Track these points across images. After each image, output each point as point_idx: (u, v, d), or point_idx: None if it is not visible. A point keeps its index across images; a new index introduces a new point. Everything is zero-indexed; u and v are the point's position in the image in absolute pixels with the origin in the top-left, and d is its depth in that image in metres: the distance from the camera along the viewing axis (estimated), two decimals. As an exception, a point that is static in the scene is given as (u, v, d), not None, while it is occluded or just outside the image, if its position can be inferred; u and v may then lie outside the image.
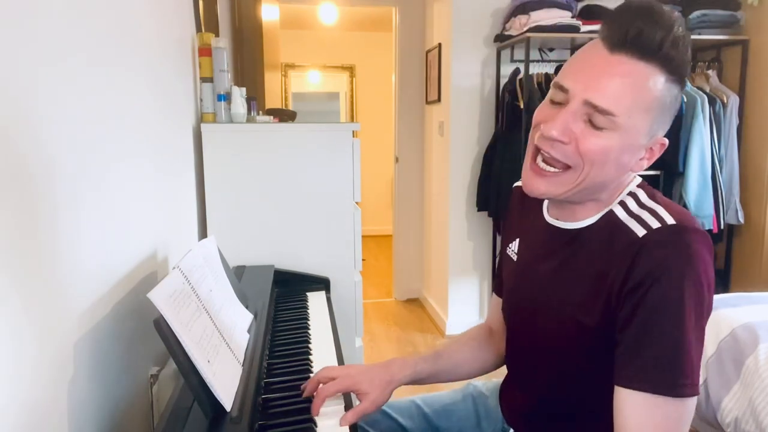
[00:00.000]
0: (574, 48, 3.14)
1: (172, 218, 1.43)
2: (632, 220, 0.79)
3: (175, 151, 1.49)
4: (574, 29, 2.80)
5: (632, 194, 0.83)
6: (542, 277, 0.89)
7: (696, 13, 2.94)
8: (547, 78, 2.91)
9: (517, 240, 0.99)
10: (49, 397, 0.73)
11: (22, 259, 0.67)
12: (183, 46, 1.63)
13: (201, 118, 1.78)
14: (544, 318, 0.88)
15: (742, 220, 3.00)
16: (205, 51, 1.73)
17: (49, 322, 0.74)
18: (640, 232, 0.76)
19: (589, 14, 2.90)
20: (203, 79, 1.75)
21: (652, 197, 0.82)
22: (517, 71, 2.96)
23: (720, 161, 2.97)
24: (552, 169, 0.80)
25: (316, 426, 0.88)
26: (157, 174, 1.29)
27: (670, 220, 0.75)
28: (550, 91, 0.81)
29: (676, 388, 0.72)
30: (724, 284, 3.14)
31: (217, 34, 2.09)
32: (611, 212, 0.82)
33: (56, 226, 0.77)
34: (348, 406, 0.93)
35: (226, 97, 1.77)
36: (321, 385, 0.93)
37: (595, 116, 0.75)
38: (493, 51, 3.13)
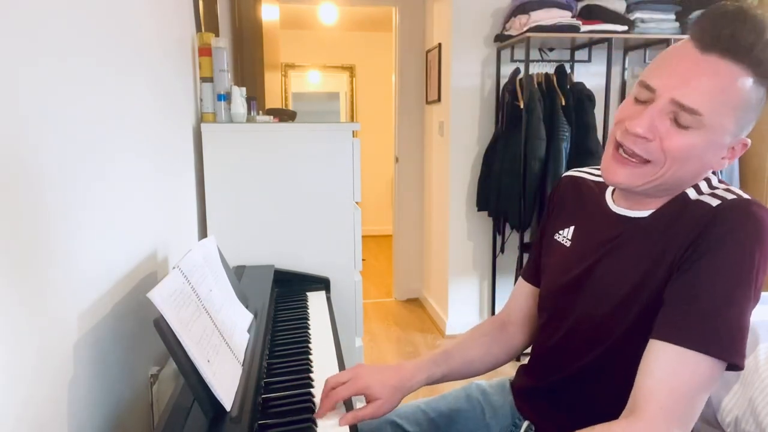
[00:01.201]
0: (574, 48, 3.14)
1: (172, 218, 1.43)
2: (705, 195, 0.81)
3: (175, 150, 1.49)
4: (574, 29, 2.80)
5: (705, 179, 0.85)
6: (601, 262, 0.89)
7: (696, 13, 2.94)
8: (547, 78, 2.91)
9: (572, 227, 1.00)
10: (49, 397, 0.73)
11: (22, 259, 0.67)
12: (183, 46, 1.63)
13: (201, 118, 1.78)
14: (594, 302, 0.89)
15: (742, 220, 3.00)
16: (205, 51, 1.73)
17: (49, 322, 0.74)
18: (714, 202, 0.78)
19: (589, 14, 2.90)
20: (203, 79, 1.75)
21: (722, 182, 0.85)
22: (517, 71, 2.96)
23: (720, 161, 2.96)
24: (634, 160, 0.82)
25: (316, 426, 0.88)
26: (157, 174, 1.29)
27: (744, 195, 0.79)
28: (635, 89, 0.83)
29: (710, 345, 0.73)
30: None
31: (217, 34, 2.09)
32: (683, 194, 0.84)
33: (56, 226, 0.77)
34: (348, 406, 0.92)
35: (226, 97, 1.77)
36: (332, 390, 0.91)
37: (681, 115, 0.77)
38: (493, 51, 3.13)
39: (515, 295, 1.12)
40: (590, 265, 0.91)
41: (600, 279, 0.89)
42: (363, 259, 1.89)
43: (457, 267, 3.31)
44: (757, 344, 1.64)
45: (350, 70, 6.04)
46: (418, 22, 3.75)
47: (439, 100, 3.40)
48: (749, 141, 0.83)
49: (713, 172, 0.87)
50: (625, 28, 2.89)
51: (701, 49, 0.76)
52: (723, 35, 0.74)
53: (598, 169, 1.02)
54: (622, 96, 3.28)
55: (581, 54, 3.16)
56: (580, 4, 2.93)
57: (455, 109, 3.16)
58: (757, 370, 1.60)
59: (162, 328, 0.77)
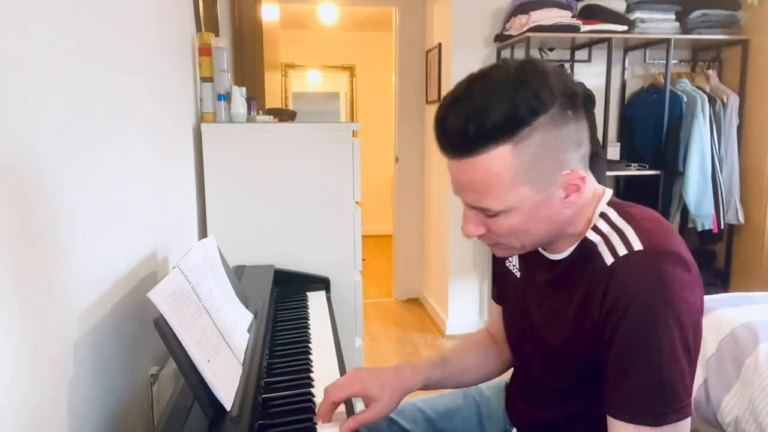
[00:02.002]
0: (574, 48, 3.14)
1: (172, 218, 1.43)
2: (603, 244, 0.77)
3: (175, 150, 1.49)
4: (574, 29, 2.80)
5: (603, 215, 0.81)
6: (538, 302, 0.89)
7: (696, 13, 2.94)
8: (547, 78, 2.91)
9: (516, 257, 0.98)
10: (49, 396, 0.73)
11: (21, 259, 0.67)
12: (183, 46, 1.63)
13: (201, 118, 1.78)
14: (539, 341, 0.89)
15: (742, 220, 3.00)
16: (205, 51, 1.73)
17: (49, 322, 0.74)
18: (609, 259, 0.75)
19: (589, 14, 2.91)
20: (203, 79, 1.75)
21: (623, 214, 0.80)
22: (517, 71, 2.96)
23: (720, 161, 2.97)
24: (492, 243, 0.84)
25: (316, 425, 0.88)
26: (157, 173, 1.29)
27: (637, 245, 0.73)
28: None
29: (660, 416, 0.71)
30: (724, 284, 3.14)
31: (217, 34, 2.09)
32: (586, 239, 0.81)
33: (56, 225, 0.77)
34: (349, 409, 0.91)
35: (226, 97, 1.77)
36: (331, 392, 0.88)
37: (484, 212, 0.78)
38: (493, 51, 3.13)
39: (492, 315, 1.11)
40: (532, 304, 0.91)
41: (541, 319, 0.89)
42: (363, 259, 1.89)
43: (457, 267, 3.31)
44: (757, 344, 1.64)
45: (350, 70, 6.04)
46: (418, 22, 3.75)
47: (439, 100, 3.39)
48: (581, 172, 0.76)
49: (611, 203, 0.82)
50: (625, 28, 2.89)
51: (450, 158, 0.77)
52: (445, 142, 0.75)
53: None
54: (622, 96, 3.28)
55: (581, 54, 3.16)
56: (580, 4, 2.93)
57: (455, 109, 3.15)
58: (757, 370, 1.60)
59: (162, 327, 0.77)
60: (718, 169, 2.95)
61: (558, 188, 0.76)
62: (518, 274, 0.97)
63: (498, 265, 1.05)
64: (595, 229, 0.80)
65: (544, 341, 0.88)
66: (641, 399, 0.72)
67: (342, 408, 0.90)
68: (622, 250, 0.74)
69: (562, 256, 0.84)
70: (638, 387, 0.72)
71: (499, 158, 0.72)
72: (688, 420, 0.73)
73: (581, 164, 0.77)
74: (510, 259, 1.00)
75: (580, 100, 0.75)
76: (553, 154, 0.73)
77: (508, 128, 0.71)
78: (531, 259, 0.91)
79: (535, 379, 0.93)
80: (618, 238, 0.76)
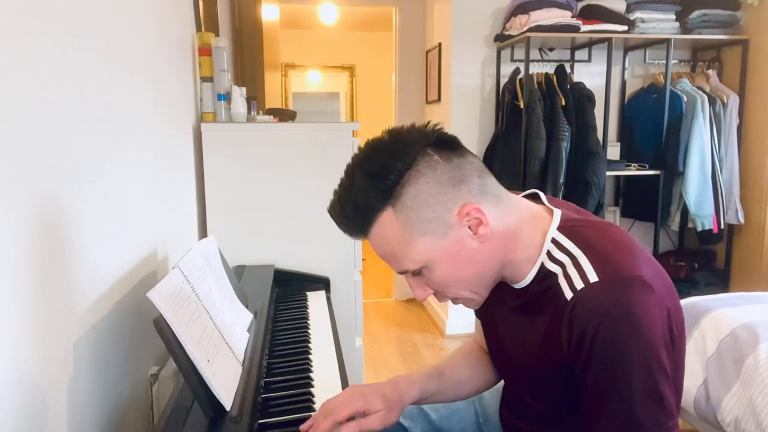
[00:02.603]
0: (574, 48, 3.14)
1: (172, 217, 1.43)
2: (561, 275, 0.76)
3: (175, 150, 1.49)
4: (574, 29, 2.80)
5: (554, 241, 0.80)
6: (507, 326, 0.89)
7: (696, 13, 2.94)
8: (547, 78, 2.91)
9: None
10: (49, 396, 0.73)
11: (21, 258, 0.67)
12: (183, 46, 1.63)
13: (201, 118, 1.78)
14: (516, 362, 0.89)
15: (742, 220, 3.00)
16: (205, 50, 1.73)
17: (49, 321, 0.74)
18: (568, 293, 0.74)
19: (589, 14, 2.91)
20: (203, 79, 1.75)
21: (574, 238, 0.78)
22: (517, 71, 2.97)
23: (720, 161, 2.97)
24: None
25: None
26: (157, 173, 1.29)
27: (592, 277, 0.72)
28: None
29: None
30: (724, 284, 3.14)
31: (217, 34, 2.09)
32: (543, 267, 0.80)
33: (56, 225, 0.77)
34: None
35: (226, 97, 1.77)
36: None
37: (409, 273, 0.80)
38: (493, 51, 3.13)
39: (476, 328, 1.10)
40: (501, 331, 0.91)
41: (510, 346, 0.89)
42: (363, 259, 1.89)
43: (457, 267, 3.30)
44: (757, 344, 1.64)
45: (350, 70, 6.04)
46: (418, 22, 3.75)
47: (439, 100, 3.40)
48: (474, 204, 0.76)
49: (560, 227, 0.81)
50: (625, 28, 2.89)
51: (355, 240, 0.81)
52: (344, 231, 0.81)
53: None
54: (622, 96, 3.28)
55: (581, 54, 3.16)
56: (580, 4, 2.93)
57: (455, 109, 3.16)
58: (757, 370, 1.60)
59: (162, 327, 0.77)
60: (718, 169, 2.95)
61: (460, 228, 0.77)
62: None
63: None
64: (551, 257, 0.79)
65: (518, 364, 0.88)
66: (620, 427, 0.72)
67: None
68: (579, 284, 0.73)
69: (521, 285, 0.83)
70: (615, 421, 0.72)
71: (386, 224, 0.76)
72: None
73: (476, 197, 0.77)
74: None
75: (452, 140, 0.79)
76: (430, 200, 0.75)
77: (379, 198, 0.75)
78: (497, 288, 0.89)
79: (517, 395, 0.94)
80: (574, 269, 0.74)
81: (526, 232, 0.81)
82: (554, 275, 0.77)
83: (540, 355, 0.81)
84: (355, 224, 0.79)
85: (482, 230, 0.77)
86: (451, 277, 0.79)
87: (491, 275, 0.82)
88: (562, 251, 0.78)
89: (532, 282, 0.82)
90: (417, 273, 0.80)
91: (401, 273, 0.81)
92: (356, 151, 0.82)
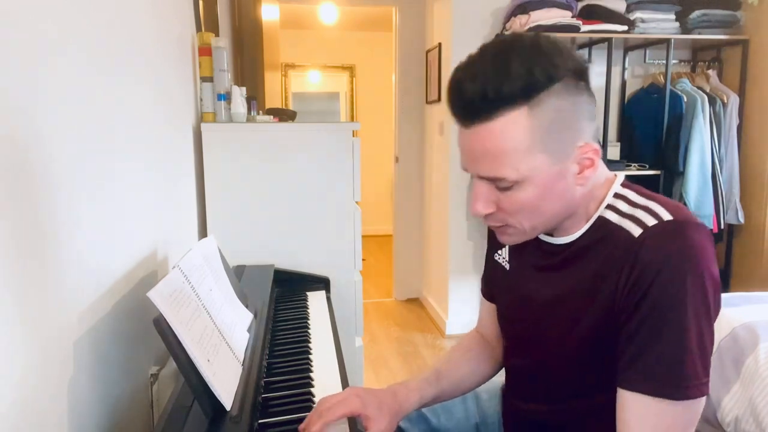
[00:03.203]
0: (574, 48, 3.14)
1: (172, 217, 1.43)
2: (626, 220, 0.76)
3: (175, 150, 1.49)
4: (575, 29, 2.80)
5: (619, 196, 0.81)
6: (539, 290, 0.87)
7: (696, 13, 2.94)
8: (547, 78, 2.91)
9: (507, 248, 0.97)
10: (49, 395, 0.73)
11: (21, 258, 0.67)
12: (183, 46, 1.63)
13: (201, 118, 1.78)
14: (544, 331, 0.86)
15: (742, 220, 3.00)
16: (205, 50, 1.73)
17: (49, 321, 0.74)
18: (636, 231, 0.74)
19: (589, 14, 2.91)
20: (203, 79, 1.75)
21: (642, 194, 0.80)
22: (517, 71, 2.96)
23: (720, 161, 2.97)
24: (501, 228, 0.82)
25: None
26: (157, 173, 1.29)
27: (666, 216, 0.73)
28: None
29: (680, 390, 0.70)
30: (724, 284, 3.14)
31: (217, 34, 2.09)
32: (602, 218, 0.80)
33: (56, 225, 0.77)
34: (352, 427, 0.87)
35: (226, 97, 1.77)
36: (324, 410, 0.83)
37: (495, 183, 0.76)
38: (493, 51, 3.13)
39: (482, 312, 1.10)
40: (532, 296, 0.88)
41: (543, 311, 0.86)
42: (363, 259, 1.89)
43: (457, 267, 3.31)
44: (757, 344, 1.64)
45: (350, 70, 6.04)
46: (418, 22, 3.75)
47: (439, 100, 3.40)
48: (596, 146, 0.77)
49: (627, 185, 0.82)
50: (625, 28, 2.89)
51: (462, 126, 0.76)
52: (459, 110, 0.75)
53: None
54: (623, 96, 3.28)
55: (581, 54, 3.16)
56: (580, 4, 2.93)
57: (455, 109, 3.15)
58: (757, 370, 1.60)
59: (162, 327, 0.77)
60: (718, 169, 2.95)
61: (572, 162, 0.76)
62: (507, 266, 0.96)
63: (488, 260, 1.04)
64: (613, 209, 0.79)
65: (548, 328, 0.86)
66: (664, 370, 0.70)
67: (344, 422, 0.86)
68: (650, 221, 0.73)
69: (570, 238, 0.83)
70: (662, 358, 0.70)
71: (515, 123, 0.72)
72: (703, 400, 0.72)
73: (594, 139, 0.77)
74: (500, 251, 0.98)
75: (587, 77, 0.77)
76: (569, 122, 0.74)
77: (525, 92, 0.71)
78: (525, 247, 0.89)
79: (538, 372, 0.91)
80: (644, 212, 0.75)
81: (599, 188, 0.82)
82: (613, 224, 0.78)
83: (578, 310, 0.79)
84: (481, 108, 0.72)
85: (588, 173, 0.77)
86: (533, 204, 0.76)
87: (560, 218, 0.80)
88: (628, 204, 0.79)
89: (583, 235, 0.81)
90: (503, 186, 0.75)
91: (484, 178, 0.76)
92: (508, 37, 0.74)
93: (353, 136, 1.79)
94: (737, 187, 3.00)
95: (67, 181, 0.81)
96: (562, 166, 0.75)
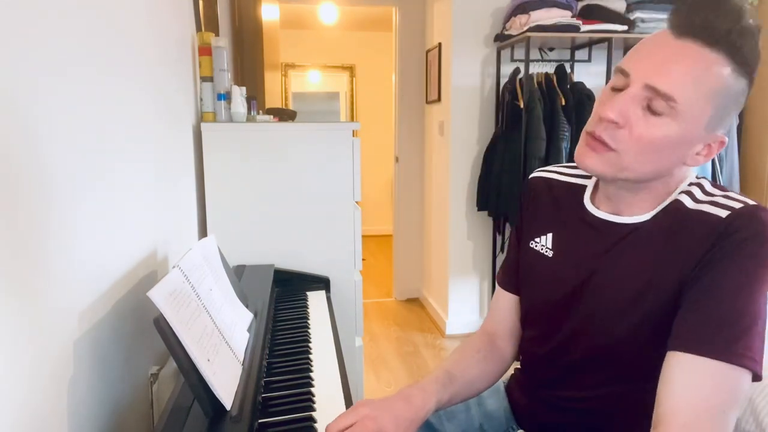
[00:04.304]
0: (574, 48, 3.14)
1: (172, 217, 1.43)
2: (706, 204, 0.78)
3: (175, 150, 1.49)
4: (575, 29, 2.80)
5: (695, 184, 0.82)
6: (594, 272, 0.85)
7: (696, 13, 2.94)
8: (547, 78, 2.91)
9: (550, 235, 0.94)
10: (48, 395, 0.73)
11: (21, 258, 0.67)
12: (183, 46, 1.63)
13: (201, 117, 1.78)
14: (593, 314, 0.85)
15: (742, 220, 3.00)
16: (205, 50, 1.73)
17: (49, 321, 0.74)
18: (723, 213, 0.75)
19: (589, 14, 2.90)
20: (203, 78, 1.75)
21: (716, 186, 0.82)
22: (517, 71, 2.97)
23: (720, 161, 2.97)
24: (601, 146, 0.78)
25: (316, 423, 0.88)
26: (157, 173, 1.29)
27: (751, 202, 0.76)
28: (613, 78, 0.80)
29: (735, 354, 0.69)
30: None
31: (217, 34, 2.09)
32: (677, 201, 0.81)
33: (56, 224, 0.77)
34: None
35: (226, 97, 1.77)
36: None
37: (654, 101, 0.74)
38: (493, 51, 3.13)
39: (498, 306, 1.06)
40: (585, 279, 0.86)
41: (598, 293, 0.84)
42: (363, 259, 1.89)
43: (457, 267, 3.31)
44: (757, 344, 1.64)
45: (350, 70, 6.04)
46: (418, 22, 3.75)
47: (439, 99, 3.40)
48: (727, 139, 0.79)
49: (702, 177, 0.84)
50: (625, 27, 2.89)
51: (676, 35, 0.74)
52: (697, 21, 0.73)
53: (568, 167, 0.99)
54: (622, 96, 3.28)
55: (581, 54, 3.16)
56: (580, 4, 2.93)
57: (455, 109, 3.16)
58: (757, 369, 1.60)
59: (162, 327, 0.77)
60: (718, 169, 2.95)
61: (704, 140, 0.77)
62: (550, 254, 0.93)
63: (519, 249, 1.00)
64: (689, 194, 0.81)
65: (600, 315, 0.84)
66: (724, 334, 0.70)
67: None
68: (737, 205, 0.75)
69: (638, 219, 0.83)
70: (723, 322, 0.70)
71: (718, 66, 0.73)
72: (749, 380, 0.70)
73: (727, 134, 0.80)
74: (538, 239, 0.96)
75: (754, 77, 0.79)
76: (735, 108, 0.77)
77: (741, 57, 0.73)
78: (576, 230, 0.90)
79: (574, 361, 0.89)
80: (724, 198, 0.77)
81: (679, 176, 0.83)
82: (690, 209, 0.78)
83: (639, 292, 0.79)
84: (719, 36, 0.72)
85: (701, 159, 0.79)
86: (659, 143, 0.75)
87: (647, 178, 0.80)
88: (704, 192, 0.80)
89: (654, 216, 0.82)
90: (656, 110, 0.74)
91: (653, 90, 0.74)
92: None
93: (353, 136, 1.79)
94: (737, 187, 3.00)
95: (67, 180, 0.81)
96: (701, 135, 0.76)
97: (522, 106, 2.84)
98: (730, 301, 0.71)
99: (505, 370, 1.05)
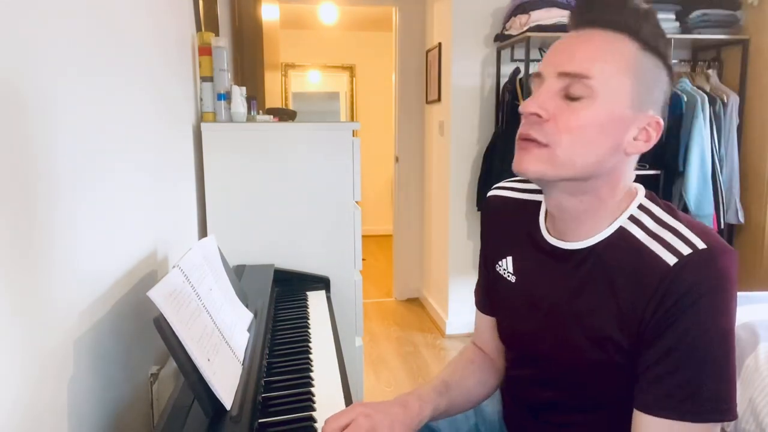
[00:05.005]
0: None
1: (172, 217, 1.43)
2: (655, 242, 0.74)
3: (175, 149, 1.49)
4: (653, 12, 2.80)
5: (643, 208, 0.79)
6: (553, 302, 0.83)
7: (696, 13, 2.94)
8: (547, 78, 2.91)
9: (510, 258, 0.92)
10: (49, 395, 0.73)
11: (21, 258, 0.67)
12: (183, 45, 1.63)
13: (201, 117, 1.78)
14: (558, 344, 0.83)
15: (742, 220, 3.00)
16: (205, 50, 1.73)
17: (49, 321, 0.74)
18: (671, 259, 0.72)
19: (589, 14, 2.90)
20: (203, 78, 1.75)
21: (666, 209, 0.79)
22: (517, 71, 2.97)
23: (720, 161, 2.97)
24: (532, 144, 0.76)
25: (316, 423, 0.88)
26: (157, 173, 1.29)
27: (700, 244, 0.71)
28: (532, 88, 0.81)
29: (707, 413, 0.70)
30: (724, 284, 3.14)
31: (217, 34, 2.09)
32: (624, 230, 0.78)
33: (56, 224, 0.77)
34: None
35: (226, 97, 1.77)
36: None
37: (571, 87, 0.73)
38: (493, 50, 3.13)
39: (480, 327, 1.04)
40: (548, 311, 0.84)
41: (562, 327, 0.82)
42: (363, 259, 1.89)
43: (457, 267, 3.31)
44: (757, 344, 1.64)
45: (350, 70, 6.04)
46: (418, 22, 3.75)
47: (439, 99, 3.40)
48: (661, 120, 0.77)
49: (649, 193, 0.81)
50: (625, 27, 2.88)
51: (576, 27, 0.78)
52: (590, 15, 0.76)
53: (523, 181, 0.96)
54: (622, 96, 3.27)
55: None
56: (580, 4, 2.93)
57: (455, 109, 3.16)
58: (758, 369, 1.60)
59: (162, 326, 0.77)
60: (718, 169, 2.95)
61: (637, 123, 0.75)
62: (513, 279, 0.91)
63: (488, 271, 0.98)
64: (636, 222, 0.78)
65: (564, 341, 0.82)
66: (688, 395, 0.70)
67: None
68: (685, 250, 0.71)
69: (587, 243, 0.80)
70: (691, 383, 0.70)
71: (623, 42, 0.74)
72: (719, 425, 0.72)
73: (661, 116, 0.78)
74: (500, 263, 0.94)
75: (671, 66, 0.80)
76: (657, 87, 0.76)
77: (644, 35, 0.74)
78: (533, 255, 0.87)
79: (547, 384, 0.88)
80: (674, 236, 0.74)
81: (623, 196, 0.80)
82: (639, 242, 0.76)
83: (609, 326, 0.77)
84: (617, 13, 0.75)
85: (641, 146, 0.77)
86: (588, 127, 0.73)
87: (587, 174, 0.76)
88: (652, 219, 0.78)
89: (601, 241, 0.79)
90: (575, 94, 0.73)
91: (566, 74, 0.73)
92: None
93: (353, 135, 1.79)
94: (737, 186, 3.00)
95: (67, 180, 0.81)
96: (628, 114, 0.74)
97: (522, 106, 2.84)
98: (696, 364, 0.70)
99: (501, 379, 1.03)
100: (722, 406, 0.71)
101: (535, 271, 0.88)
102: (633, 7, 0.74)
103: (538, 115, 0.74)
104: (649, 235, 0.76)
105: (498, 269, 0.95)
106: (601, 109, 0.73)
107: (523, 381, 0.95)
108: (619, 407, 0.79)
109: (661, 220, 0.77)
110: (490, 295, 0.99)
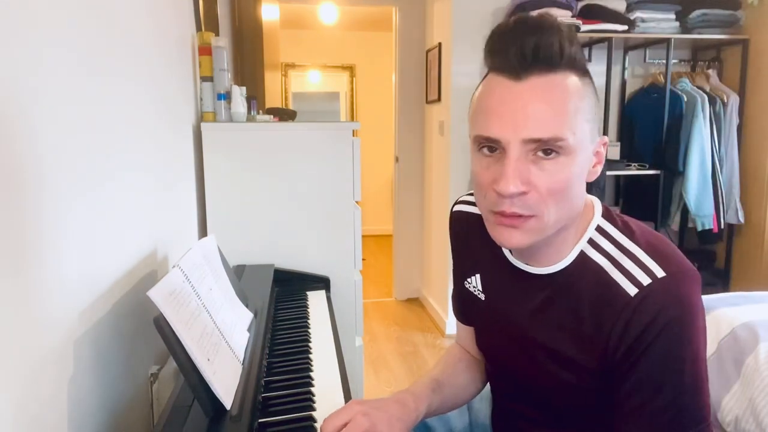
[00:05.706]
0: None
1: (172, 217, 1.43)
2: (616, 270, 0.74)
3: (175, 149, 1.49)
4: (574, 28, 2.80)
5: (601, 230, 0.78)
6: (521, 324, 0.83)
7: (696, 13, 2.94)
8: (547, 77, 2.91)
9: (478, 275, 0.92)
10: (48, 395, 0.73)
11: (21, 257, 0.67)
12: (183, 45, 1.63)
13: (201, 117, 1.78)
14: (532, 367, 0.83)
15: (742, 220, 3.00)
16: (205, 50, 1.73)
17: (49, 320, 0.74)
18: (632, 290, 0.71)
19: (589, 13, 2.91)
20: (203, 78, 1.75)
21: (623, 229, 0.77)
22: (517, 71, 2.96)
23: (720, 161, 2.97)
24: (520, 220, 0.72)
25: (316, 422, 0.88)
26: (156, 172, 1.29)
27: (659, 272, 0.71)
28: (473, 148, 0.75)
29: (688, 429, 0.70)
30: (724, 284, 3.14)
31: (217, 34, 2.09)
32: (585, 254, 0.77)
33: (56, 223, 0.77)
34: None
35: (226, 96, 1.77)
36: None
37: (541, 148, 0.69)
38: (493, 51, 3.13)
39: (460, 333, 1.05)
40: (517, 335, 0.84)
41: (531, 350, 0.82)
42: (363, 259, 1.89)
43: (457, 267, 3.31)
44: (757, 344, 1.64)
45: (350, 70, 6.04)
46: (418, 22, 3.75)
47: (439, 99, 3.40)
48: (605, 138, 0.77)
49: (604, 215, 0.80)
50: (625, 27, 2.89)
51: (514, 77, 0.69)
52: (529, 54, 0.68)
53: None
54: (622, 96, 3.28)
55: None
56: (580, 4, 2.93)
57: (455, 109, 3.16)
58: (758, 369, 1.60)
59: (162, 326, 0.77)
60: (718, 169, 2.95)
61: (593, 151, 0.75)
62: (483, 297, 0.91)
63: (457, 284, 0.99)
64: (594, 245, 0.77)
65: (532, 362, 0.83)
66: (664, 422, 0.71)
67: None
68: (645, 280, 0.71)
69: (552, 269, 0.79)
70: (662, 411, 0.70)
71: (569, 81, 0.70)
72: None
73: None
74: (470, 279, 0.93)
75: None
76: (598, 107, 0.75)
77: (579, 63, 0.71)
78: (500, 277, 0.86)
79: (523, 397, 0.89)
80: (632, 263, 0.73)
81: (582, 212, 0.79)
82: (599, 266, 0.75)
83: (574, 348, 0.77)
84: (554, 55, 0.68)
85: (597, 169, 0.76)
86: (570, 184, 0.70)
87: (574, 216, 0.76)
88: (609, 241, 0.77)
89: (568, 267, 0.78)
90: (550, 152, 0.69)
91: (533, 141, 0.68)
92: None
93: (353, 135, 1.79)
94: (737, 186, 3.00)
95: (67, 180, 0.81)
96: (592, 149, 0.74)
97: (522, 106, 2.84)
98: (666, 397, 0.70)
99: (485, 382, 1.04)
100: (702, 414, 0.71)
101: (501, 290, 0.88)
102: (566, 35, 0.70)
103: (524, 193, 0.70)
104: (609, 260, 0.75)
105: (467, 286, 0.95)
106: (574, 159, 0.70)
107: (503, 393, 0.96)
108: (596, 425, 0.79)
109: (619, 243, 0.76)
110: (464, 308, 1.00)
